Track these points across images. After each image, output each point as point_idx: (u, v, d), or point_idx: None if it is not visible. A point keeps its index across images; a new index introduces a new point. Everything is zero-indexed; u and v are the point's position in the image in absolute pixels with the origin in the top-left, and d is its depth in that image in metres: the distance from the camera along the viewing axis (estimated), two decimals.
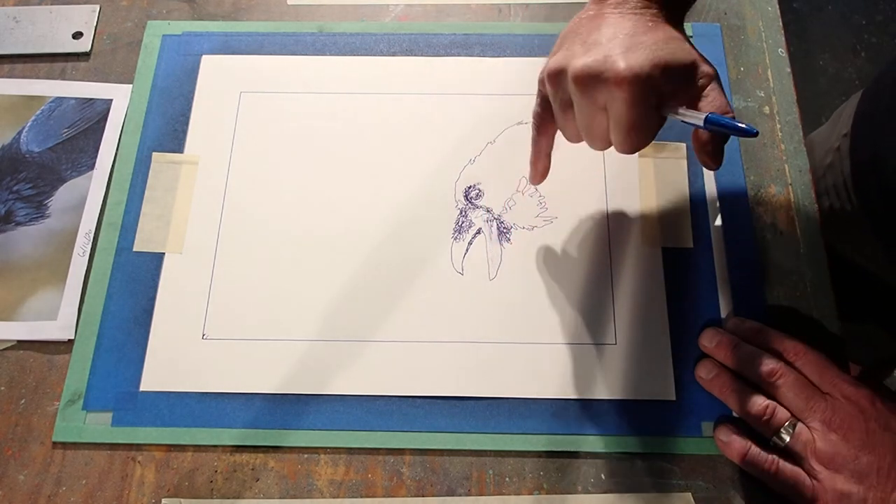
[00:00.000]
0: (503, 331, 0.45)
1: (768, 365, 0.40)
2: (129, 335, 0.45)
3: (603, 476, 0.42)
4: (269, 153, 0.51)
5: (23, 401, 0.44)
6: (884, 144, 0.50)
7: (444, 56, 0.54)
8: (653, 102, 0.37)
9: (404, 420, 0.43)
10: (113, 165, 0.50)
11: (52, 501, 0.42)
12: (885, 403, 0.39)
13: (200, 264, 0.47)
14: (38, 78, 0.54)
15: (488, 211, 0.49)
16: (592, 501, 0.41)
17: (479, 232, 0.48)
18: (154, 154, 0.51)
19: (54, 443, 0.43)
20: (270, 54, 0.54)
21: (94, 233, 0.48)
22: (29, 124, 0.52)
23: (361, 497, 0.41)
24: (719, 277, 0.47)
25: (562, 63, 0.38)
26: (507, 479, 0.42)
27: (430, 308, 0.46)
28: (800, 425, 0.39)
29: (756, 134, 0.35)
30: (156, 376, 0.44)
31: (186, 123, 0.52)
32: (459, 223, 0.48)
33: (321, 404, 0.44)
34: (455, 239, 0.48)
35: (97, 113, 0.52)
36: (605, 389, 0.44)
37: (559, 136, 0.44)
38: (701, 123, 0.37)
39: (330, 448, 0.43)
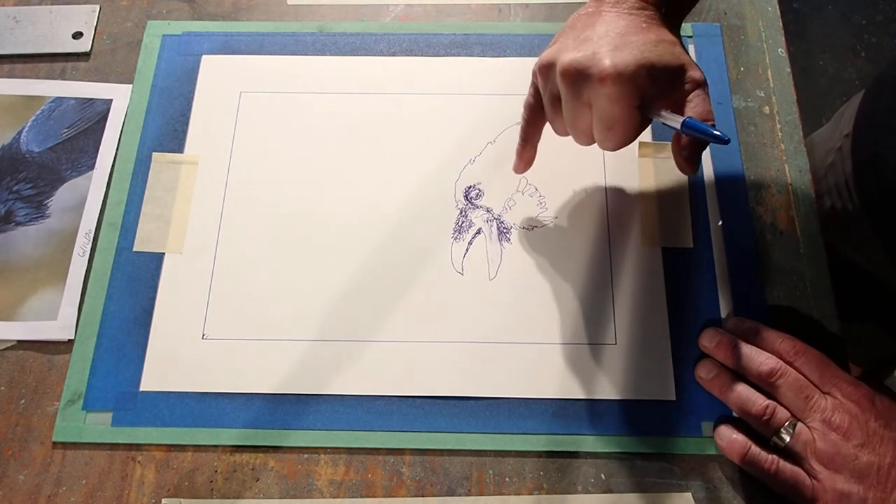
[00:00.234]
0: (503, 331, 0.45)
1: (768, 365, 0.40)
2: (129, 335, 0.45)
3: (603, 476, 0.42)
4: (269, 153, 0.51)
5: (23, 401, 0.44)
6: (884, 144, 0.50)
7: (444, 56, 0.54)
8: (636, 102, 0.37)
9: (404, 420, 0.43)
10: (113, 165, 0.50)
11: (52, 501, 0.42)
12: (885, 403, 0.39)
13: (200, 264, 0.47)
14: (38, 78, 0.54)
15: (488, 211, 0.49)
16: (592, 501, 0.41)
17: (479, 232, 0.48)
18: (154, 154, 0.51)
19: (54, 443, 0.43)
20: (270, 54, 0.54)
21: (94, 233, 0.48)
22: (29, 124, 0.52)
23: (361, 497, 0.41)
24: (719, 277, 0.47)
25: (552, 56, 0.39)
26: (507, 479, 0.42)
27: (431, 308, 0.46)
28: (800, 425, 0.39)
29: (728, 141, 0.36)
30: (156, 376, 0.44)
31: (186, 123, 0.52)
32: (459, 223, 0.48)
33: (321, 404, 0.44)
34: (455, 239, 0.48)
35: (97, 113, 0.52)
36: (605, 389, 0.44)
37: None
38: (679, 126, 0.38)
39: (330, 448, 0.43)
